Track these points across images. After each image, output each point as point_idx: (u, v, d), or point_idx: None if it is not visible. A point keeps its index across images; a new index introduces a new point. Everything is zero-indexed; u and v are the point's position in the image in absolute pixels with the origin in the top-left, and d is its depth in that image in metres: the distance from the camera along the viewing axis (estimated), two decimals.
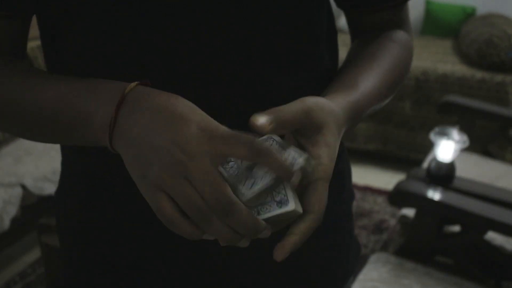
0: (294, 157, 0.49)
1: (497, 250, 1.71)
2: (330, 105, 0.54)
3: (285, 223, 0.51)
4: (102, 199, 0.66)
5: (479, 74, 3.03)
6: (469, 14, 3.59)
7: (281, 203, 0.48)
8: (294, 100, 0.55)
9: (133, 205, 0.63)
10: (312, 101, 0.53)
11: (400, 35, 0.72)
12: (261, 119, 0.49)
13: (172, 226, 0.47)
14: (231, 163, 0.50)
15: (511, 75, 3.01)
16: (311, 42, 0.65)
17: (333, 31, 0.71)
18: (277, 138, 0.51)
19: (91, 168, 0.66)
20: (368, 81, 0.63)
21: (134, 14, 0.56)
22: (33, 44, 2.71)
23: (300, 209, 0.49)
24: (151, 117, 0.48)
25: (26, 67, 0.61)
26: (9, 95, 0.58)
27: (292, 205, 0.48)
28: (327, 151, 0.52)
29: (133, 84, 0.52)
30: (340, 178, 0.75)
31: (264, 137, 0.51)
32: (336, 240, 0.75)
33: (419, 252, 1.72)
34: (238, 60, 0.59)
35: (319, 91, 0.64)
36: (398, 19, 0.74)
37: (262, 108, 0.53)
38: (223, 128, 0.48)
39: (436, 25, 3.58)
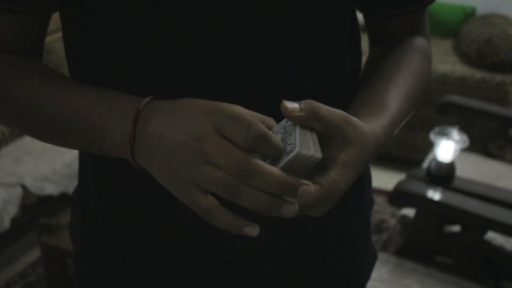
0: (291, 147, 0.48)
1: (497, 250, 1.70)
2: (364, 129, 0.52)
3: (307, 170, 0.48)
4: (119, 199, 0.66)
5: (479, 74, 3.03)
6: (469, 14, 3.58)
7: (289, 153, 0.47)
8: (323, 102, 0.54)
9: (147, 202, 0.64)
10: (353, 116, 0.51)
11: (420, 42, 0.71)
12: (293, 104, 0.48)
13: (212, 218, 0.47)
14: (275, 128, 0.51)
15: (511, 75, 3.00)
16: (335, 47, 0.64)
17: (356, 36, 0.70)
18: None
19: (105, 169, 0.66)
20: (398, 101, 0.61)
21: (160, 20, 0.57)
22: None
23: (314, 153, 0.47)
24: (163, 124, 0.49)
25: (41, 68, 0.61)
26: (26, 100, 0.59)
27: (297, 147, 0.46)
28: (342, 170, 0.49)
29: (147, 99, 0.53)
30: (361, 187, 0.75)
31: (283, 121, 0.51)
32: (355, 246, 0.76)
33: (419, 252, 1.72)
34: (262, 66, 0.59)
35: (343, 96, 0.64)
36: (418, 24, 0.73)
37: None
38: (227, 106, 0.47)
39: (436, 25, 3.57)
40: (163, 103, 0.52)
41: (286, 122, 0.51)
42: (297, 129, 0.49)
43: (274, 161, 0.48)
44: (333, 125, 0.49)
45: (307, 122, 0.48)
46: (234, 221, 0.47)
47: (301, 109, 0.48)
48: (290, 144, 0.48)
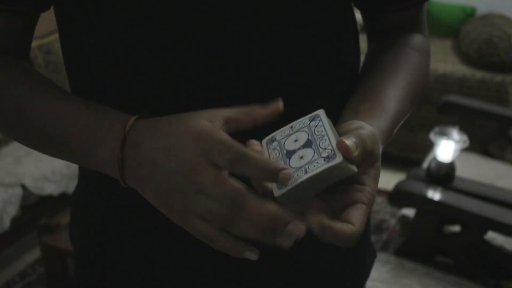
0: (330, 154, 0.47)
1: (497, 250, 1.71)
2: (378, 140, 0.53)
3: (336, 181, 0.49)
4: (117, 203, 0.66)
5: (479, 74, 3.03)
6: (469, 14, 3.59)
7: (328, 158, 0.47)
8: (323, 101, 0.55)
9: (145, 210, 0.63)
10: (371, 130, 0.52)
11: (418, 40, 0.71)
12: (349, 142, 0.47)
13: (212, 243, 0.48)
14: (274, 144, 0.51)
15: (511, 75, 3.00)
16: (335, 47, 0.65)
17: (355, 35, 0.70)
18: (326, 122, 0.50)
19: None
20: (397, 102, 0.62)
21: (160, 19, 0.56)
22: (33, 44, 2.71)
23: (353, 167, 0.47)
24: (153, 148, 0.49)
25: (29, 72, 0.61)
26: (13, 106, 0.58)
27: (339, 157, 0.46)
28: (375, 183, 0.51)
29: (132, 120, 0.52)
30: None
31: (311, 114, 0.51)
32: (355, 246, 0.76)
33: (419, 252, 1.72)
34: (262, 67, 0.59)
35: (342, 95, 0.64)
36: (416, 20, 0.73)
37: (293, 110, 0.53)
38: (214, 131, 0.47)
39: (436, 25, 3.57)
40: (149, 124, 0.51)
41: (310, 121, 0.50)
42: (330, 134, 0.49)
43: (308, 165, 0.47)
44: (369, 151, 0.50)
45: (355, 162, 0.48)
46: (235, 245, 0.48)
47: (356, 149, 0.48)
48: (325, 149, 0.48)
